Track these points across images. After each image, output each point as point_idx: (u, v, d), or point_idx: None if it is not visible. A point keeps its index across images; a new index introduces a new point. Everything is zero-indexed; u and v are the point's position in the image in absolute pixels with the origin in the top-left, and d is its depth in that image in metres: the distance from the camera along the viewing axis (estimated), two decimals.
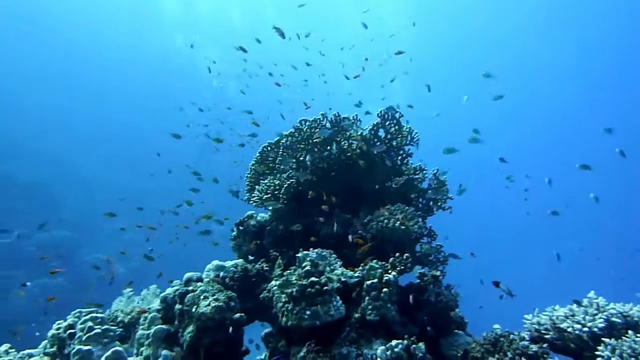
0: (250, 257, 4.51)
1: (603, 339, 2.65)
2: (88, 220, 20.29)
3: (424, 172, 4.37)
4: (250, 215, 4.88)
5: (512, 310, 3.44)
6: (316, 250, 3.57)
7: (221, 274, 4.00)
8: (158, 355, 3.37)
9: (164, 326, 3.54)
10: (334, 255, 3.61)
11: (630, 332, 2.65)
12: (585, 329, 2.82)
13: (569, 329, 2.89)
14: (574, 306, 3.06)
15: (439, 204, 4.35)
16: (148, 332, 3.54)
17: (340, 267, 3.51)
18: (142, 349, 3.54)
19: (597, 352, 2.60)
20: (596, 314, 2.88)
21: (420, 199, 4.34)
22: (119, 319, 4.12)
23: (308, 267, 3.23)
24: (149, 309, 3.78)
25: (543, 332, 3.10)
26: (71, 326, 3.17)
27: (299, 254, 3.42)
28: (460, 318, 3.62)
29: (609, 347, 2.59)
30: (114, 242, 19.29)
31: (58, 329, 3.31)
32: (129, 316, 4.16)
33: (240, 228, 4.89)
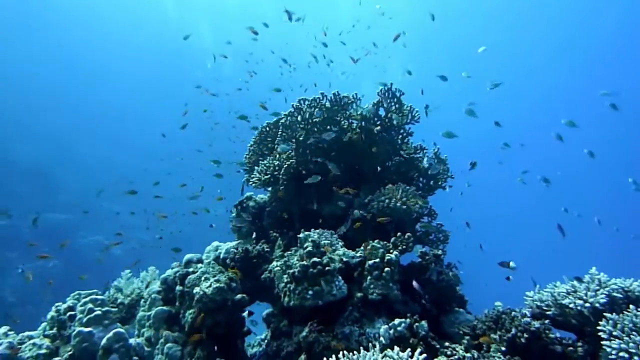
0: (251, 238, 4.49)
1: (605, 314, 2.65)
2: (87, 203, 20.18)
3: (425, 151, 4.32)
4: (249, 197, 4.83)
5: (515, 288, 3.44)
6: (317, 230, 3.55)
7: (221, 255, 3.98)
8: (160, 337, 3.37)
9: (165, 307, 3.53)
10: (335, 236, 3.58)
11: (631, 306, 2.65)
12: (587, 304, 2.82)
13: (571, 305, 2.90)
14: (576, 282, 3.06)
15: (440, 182, 4.32)
16: (149, 313, 3.53)
17: (341, 247, 3.48)
18: (143, 330, 3.54)
19: (598, 327, 2.60)
20: (598, 290, 2.88)
21: (421, 178, 4.30)
22: (119, 300, 4.11)
23: (310, 248, 3.21)
24: (150, 290, 3.77)
25: (544, 308, 3.11)
26: (71, 308, 3.15)
27: (300, 235, 3.39)
28: (461, 296, 3.63)
29: (610, 321, 2.59)
30: (111, 225, 19.29)
31: (57, 311, 3.29)
32: (129, 298, 4.15)
33: (239, 209, 4.86)
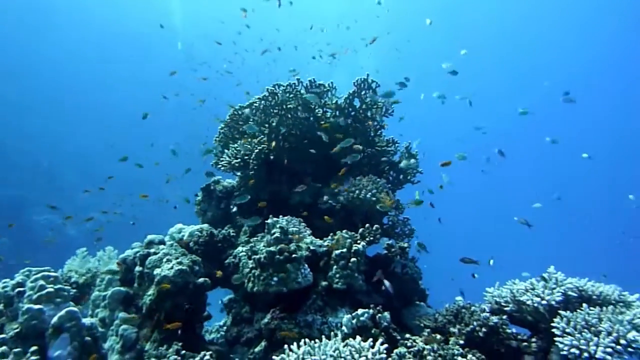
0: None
1: (560, 311, 2.75)
2: (41, 179, 19.32)
3: (397, 144, 4.35)
4: (217, 180, 4.72)
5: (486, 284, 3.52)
6: (286, 217, 3.50)
7: (185, 237, 3.87)
8: (114, 318, 3.24)
9: (122, 288, 3.40)
10: (304, 224, 3.55)
11: (584, 305, 2.76)
12: (544, 302, 2.92)
13: (528, 302, 2.99)
14: (534, 280, 3.16)
15: (409, 177, 4.36)
16: (105, 293, 3.40)
17: (309, 235, 3.45)
18: (97, 310, 3.40)
19: (552, 324, 2.70)
20: (554, 288, 2.99)
21: (392, 172, 4.33)
22: (73, 279, 3.93)
23: (277, 234, 3.16)
24: (107, 270, 3.62)
25: (503, 304, 3.19)
26: (20, 284, 2.97)
27: (269, 221, 3.34)
28: (423, 290, 3.69)
29: (564, 319, 2.69)
30: (67, 203, 18.52)
31: (4, 287, 3.10)
32: (84, 277, 3.97)
33: (206, 193, 4.74)
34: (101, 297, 3.44)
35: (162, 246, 3.56)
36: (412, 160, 4.28)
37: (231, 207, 4.61)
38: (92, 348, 2.70)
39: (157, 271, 3.10)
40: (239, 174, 4.29)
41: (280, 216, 3.50)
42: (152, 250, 3.46)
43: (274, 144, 3.86)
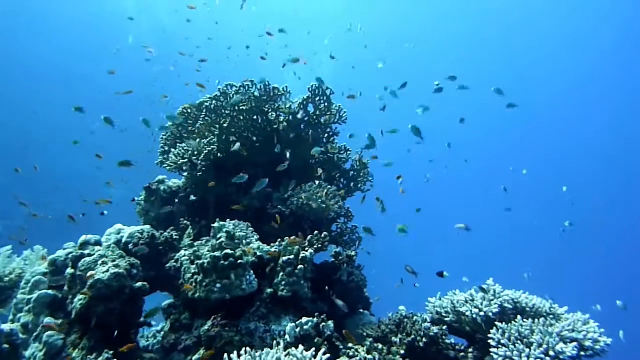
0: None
1: (496, 323, 2.84)
2: None
3: (349, 152, 4.37)
4: (161, 180, 4.53)
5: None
6: (233, 222, 3.40)
7: (125, 238, 3.66)
8: (39, 323, 3.00)
9: (49, 291, 3.16)
10: (251, 229, 3.47)
11: (519, 317, 2.88)
12: (482, 313, 3.02)
13: (467, 313, 3.07)
14: (473, 291, 3.26)
15: (360, 185, 4.39)
16: (30, 297, 3.14)
17: (256, 241, 3.38)
18: (20, 315, 3.14)
19: (489, 335, 2.79)
20: (492, 300, 3.09)
21: (342, 179, 4.34)
22: None
23: (223, 239, 3.06)
24: (34, 271, 3.35)
25: (444, 315, 3.27)
26: None
27: (215, 224, 3.23)
28: (367, 298, 3.71)
29: (500, 330, 2.79)
30: None
31: None
32: (7, 278, 3.67)
33: (149, 192, 4.53)
34: (25, 300, 3.17)
35: (98, 247, 3.35)
36: (363, 169, 4.32)
37: (174, 208, 4.44)
38: (11, 356, 2.48)
39: (90, 274, 2.90)
40: (185, 174, 4.13)
41: (228, 220, 3.39)
42: (86, 252, 3.24)
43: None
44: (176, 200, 4.43)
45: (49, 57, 24.71)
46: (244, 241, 3.21)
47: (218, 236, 3.10)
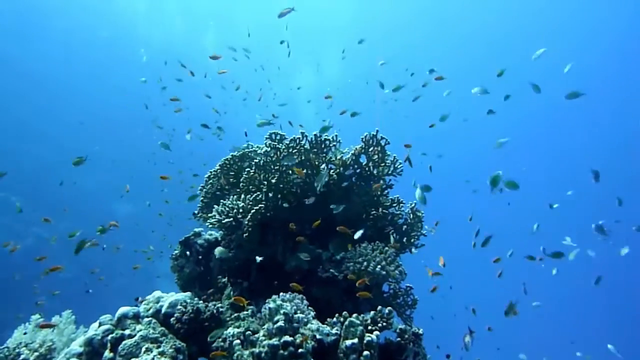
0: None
1: None
2: None
3: (401, 205, 4.02)
4: (198, 233, 4.23)
5: None
6: (287, 295, 3.06)
7: (163, 309, 3.34)
8: None
9: None
10: (306, 302, 3.12)
11: None
12: None
13: None
14: None
15: (412, 240, 4.04)
16: None
17: (314, 319, 3.03)
18: None
19: None
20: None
21: (395, 234, 3.99)
22: (22, 356, 3.30)
23: (282, 323, 2.71)
24: (68, 352, 3.03)
25: None
26: None
27: (271, 304, 2.88)
28: None
29: None
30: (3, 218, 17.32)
31: None
32: (37, 353, 3.35)
33: (185, 247, 4.23)
34: None
35: (138, 326, 3.02)
36: (418, 223, 3.96)
37: (211, 264, 4.14)
38: None
39: None
40: (228, 233, 3.82)
41: (281, 295, 3.06)
42: (126, 332, 2.92)
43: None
44: (214, 255, 4.13)
45: (57, 73, 24.80)
46: (303, 323, 2.87)
47: (275, 319, 2.76)
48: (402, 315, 3.87)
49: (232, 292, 3.75)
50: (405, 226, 3.98)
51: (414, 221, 3.97)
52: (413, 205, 4.00)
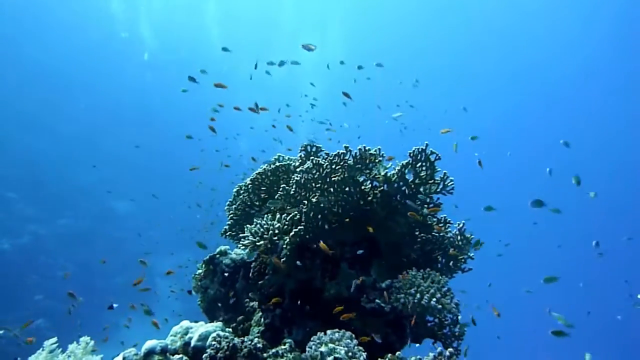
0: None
1: None
2: None
3: (449, 225, 3.67)
4: (224, 251, 3.87)
5: None
6: (337, 335, 2.70)
7: (193, 342, 2.99)
8: None
9: None
10: (356, 342, 2.77)
11: None
12: None
13: None
14: None
15: (459, 264, 3.69)
16: None
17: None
18: None
19: None
20: None
21: (442, 258, 3.64)
22: None
23: None
24: None
25: None
26: None
27: (322, 348, 2.53)
28: None
29: None
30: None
31: None
32: None
33: (209, 266, 3.88)
34: None
35: None
36: (467, 245, 3.62)
37: (237, 285, 3.79)
38: None
39: None
40: (262, 255, 3.46)
41: (329, 334, 2.70)
42: None
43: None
44: (240, 276, 3.78)
45: (54, 65, 24.30)
46: None
47: None
48: (448, 347, 3.53)
49: (262, 319, 3.41)
50: (452, 249, 3.63)
51: (462, 243, 3.62)
52: (461, 225, 3.65)
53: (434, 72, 28.68)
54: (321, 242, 3.06)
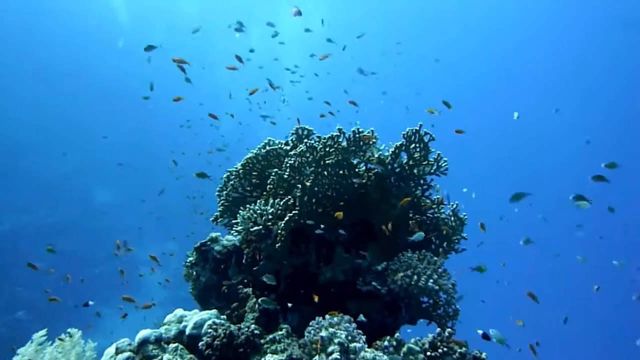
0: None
1: None
2: None
3: (442, 207, 3.66)
4: (215, 238, 3.79)
5: None
6: (335, 319, 2.68)
7: (187, 331, 2.93)
8: None
9: None
10: (354, 325, 2.75)
11: None
12: None
13: None
14: None
15: (453, 245, 3.69)
16: None
17: (364, 343, 2.66)
18: None
19: None
20: None
21: (436, 239, 3.63)
22: None
23: (337, 355, 2.34)
24: None
25: None
26: None
27: (323, 333, 2.50)
28: None
29: None
30: None
31: None
32: None
33: (200, 254, 3.80)
34: None
35: (165, 355, 2.61)
36: (461, 227, 3.62)
37: (230, 272, 3.73)
38: None
39: None
40: (256, 243, 3.39)
41: (328, 319, 2.67)
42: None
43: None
44: (232, 263, 3.72)
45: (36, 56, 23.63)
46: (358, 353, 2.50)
47: (329, 350, 2.38)
48: (443, 327, 3.55)
49: (256, 305, 3.36)
50: (445, 228, 3.63)
51: (456, 224, 3.62)
52: (454, 206, 3.65)
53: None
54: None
